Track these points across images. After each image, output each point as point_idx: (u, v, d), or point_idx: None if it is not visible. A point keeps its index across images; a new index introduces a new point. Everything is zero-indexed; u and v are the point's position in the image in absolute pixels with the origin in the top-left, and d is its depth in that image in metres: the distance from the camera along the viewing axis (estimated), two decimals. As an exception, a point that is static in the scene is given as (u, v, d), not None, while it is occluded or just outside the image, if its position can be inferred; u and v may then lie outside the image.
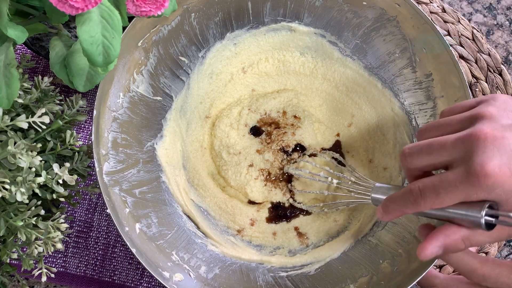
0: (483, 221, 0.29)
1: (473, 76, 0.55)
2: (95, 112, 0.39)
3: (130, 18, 0.33)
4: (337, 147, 0.51)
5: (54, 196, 0.37)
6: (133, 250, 0.38)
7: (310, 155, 0.50)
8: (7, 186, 0.33)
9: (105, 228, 0.51)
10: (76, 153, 0.40)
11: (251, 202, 0.50)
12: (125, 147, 0.43)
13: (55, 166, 0.36)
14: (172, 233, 0.45)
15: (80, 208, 0.51)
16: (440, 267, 0.50)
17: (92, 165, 0.40)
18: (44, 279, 0.39)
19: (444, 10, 0.57)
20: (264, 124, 0.52)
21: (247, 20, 0.48)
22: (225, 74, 0.51)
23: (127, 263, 0.50)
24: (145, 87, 0.45)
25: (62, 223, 0.38)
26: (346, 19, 0.48)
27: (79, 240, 0.51)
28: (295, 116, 0.51)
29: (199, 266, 0.44)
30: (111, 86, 0.41)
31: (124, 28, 0.32)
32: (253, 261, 0.47)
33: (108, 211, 0.38)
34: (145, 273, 0.50)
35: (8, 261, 0.39)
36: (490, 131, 0.28)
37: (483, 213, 0.28)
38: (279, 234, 0.49)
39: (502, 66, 0.55)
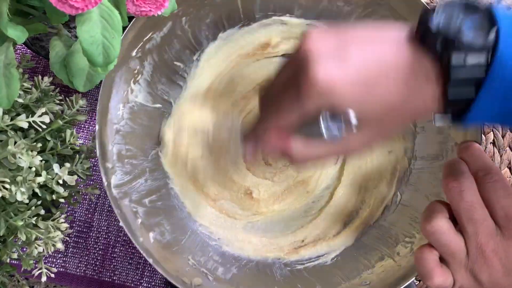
0: (322, 126, 0.28)
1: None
2: (97, 127, 0.39)
3: (130, 18, 0.33)
4: None
5: (54, 197, 0.37)
6: (150, 260, 0.38)
7: None
8: (7, 186, 0.33)
9: (105, 228, 0.51)
10: (77, 155, 0.40)
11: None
12: (130, 158, 0.43)
13: (55, 166, 0.36)
14: (186, 238, 0.45)
15: (80, 208, 0.51)
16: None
17: (92, 166, 0.40)
18: (44, 279, 0.39)
19: (444, 10, 0.57)
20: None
21: (238, 18, 0.48)
22: None
23: (127, 263, 0.50)
24: (143, 96, 0.45)
25: (62, 223, 0.38)
26: (337, 8, 0.47)
27: (79, 240, 0.51)
28: None
29: (216, 268, 0.44)
30: (111, 99, 0.41)
31: (123, 29, 0.32)
32: (269, 257, 0.47)
33: (120, 224, 0.38)
34: (145, 273, 0.50)
35: (8, 261, 0.39)
36: (308, 43, 0.28)
37: (320, 118, 0.28)
38: None
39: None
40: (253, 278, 0.45)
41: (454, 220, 0.32)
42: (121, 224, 0.39)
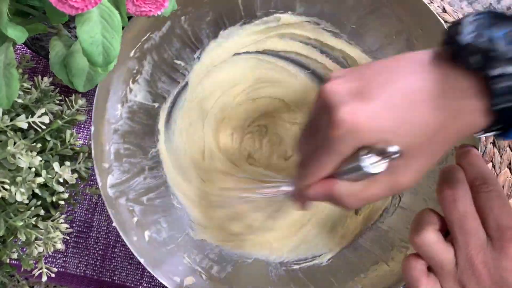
0: (362, 164, 0.27)
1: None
2: (92, 128, 0.39)
3: (130, 19, 0.33)
4: None
5: (54, 198, 0.37)
6: (142, 260, 0.39)
7: None
8: (6, 186, 0.33)
9: (105, 228, 0.51)
10: (81, 154, 0.40)
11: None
12: (128, 157, 0.43)
13: (56, 165, 0.36)
14: (183, 236, 0.45)
15: (80, 208, 0.51)
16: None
17: (92, 166, 0.40)
18: (44, 279, 0.39)
19: (444, 10, 0.57)
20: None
21: (239, 16, 0.48)
22: None
23: (127, 263, 0.50)
24: (143, 95, 0.45)
25: (62, 223, 0.38)
26: (340, 6, 0.47)
27: (79, 240, 0.51)
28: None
29: (211, 267, 0.44)
30: (108, 99, 0.41)
31: (124, 28, 0.32)
32: (265, 255, 0.47)
33: (114, 224, 0.38)
34: (145, 273, 0.50)
35: (8, 261, 0.39)
36: (328, 88, 0.28)
37: (362, 157, 0.27)
38: None
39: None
40: (247, 277, 0.45)
41: (445, 227, 0.32)
42: (114, 224, 0.39)
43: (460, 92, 0.26)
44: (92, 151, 0.39)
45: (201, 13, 0.46)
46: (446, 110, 0.26)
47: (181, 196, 0.48)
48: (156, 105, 0.47)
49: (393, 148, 0.27)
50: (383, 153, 0.27)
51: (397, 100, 0.27)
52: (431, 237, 0.31)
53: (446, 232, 0.32)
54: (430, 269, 0.32)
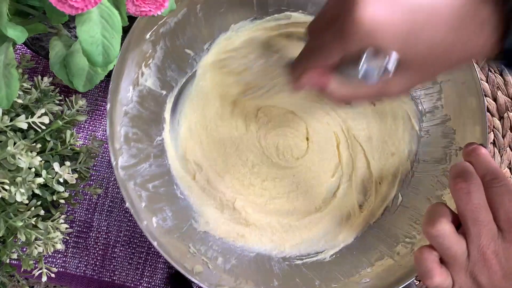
0: (360, 67, 0.28)
1: (474, 76, 0.55)
2: (108, 105, 0.39)
3: (130, 18, 0.33)
4: None
5: (54, 197, 0.37)
6: (154, 243, 0.39)
7: None
8: (6, 187, 0.33)
9: (105, 228, 0.51)
10: (81, 154, 0.40)
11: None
12: (136, 142, 0.43)
13: (56, 165, 0.36)
14: (187, 225, 0.45)
15: (80, 208, 0.51)
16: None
17: (94, 167, 0.40)
18: (44, 279, 0.39)
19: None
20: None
21: (251, 10, 0.48)
22: None
23: (127, 263, 0.50)
24: (153, 81, 0.45)
25: (62, 223, 0.38)
26: None
27: (79, 240, 0.51)
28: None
29: (216, 258, 0.44)
30: (122, 79, 0.41)
31: (124, 28, 0.32)
32: (268, 249, 0.48)
33: (127, 205, 0.38)
34: (145, 273, 0.50)
35: (8, 261, 0.39)
36: None
37: (363, 58, 0.28)
38: None
39: (502, 66, 0.55)
40: (252, 271, 0.45)
41: (456, 221, 0.32)
42: (127, 205, 0.38)
43: (478, 21, 0.26)
44: (107, 129, 0.39)
45: (216, 3, 0.46)
46: (460, 34, 0.26)
47: (183, 187, 0.48)
48: (164, 92, 0.46)
49: (391, 65, 0.27)
50: (382, 64, 0.27)
51: (419, 12, 0.26)
52: (446, 228, 0.31)
53: (457, 227, 0.32)
54: (441, 261, 0.32)
